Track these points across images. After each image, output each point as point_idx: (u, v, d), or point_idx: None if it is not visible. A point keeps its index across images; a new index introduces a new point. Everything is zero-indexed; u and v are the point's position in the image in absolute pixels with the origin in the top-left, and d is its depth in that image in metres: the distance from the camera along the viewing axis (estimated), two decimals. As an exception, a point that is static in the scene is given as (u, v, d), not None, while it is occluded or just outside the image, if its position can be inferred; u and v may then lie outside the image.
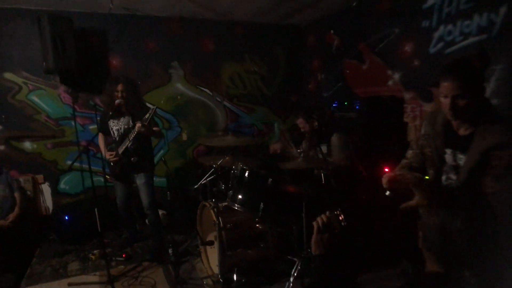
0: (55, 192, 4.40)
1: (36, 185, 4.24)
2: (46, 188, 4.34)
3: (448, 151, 1.83)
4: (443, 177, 1.85)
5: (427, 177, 1.91)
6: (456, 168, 1.78)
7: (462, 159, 1.75)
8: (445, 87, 1.65)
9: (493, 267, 1.63)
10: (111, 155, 3.44)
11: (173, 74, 4.85)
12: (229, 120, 5.24)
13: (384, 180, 1.79)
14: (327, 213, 1.56)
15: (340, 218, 1.61)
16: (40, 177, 4.29)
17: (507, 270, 1.52)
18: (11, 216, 3.55)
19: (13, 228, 3.51)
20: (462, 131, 1.76)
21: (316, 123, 3.44)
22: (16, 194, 3.74)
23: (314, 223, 1.55)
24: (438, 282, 1.88)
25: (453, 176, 1.79)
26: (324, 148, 3.46)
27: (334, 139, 3.45)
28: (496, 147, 1.60)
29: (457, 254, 1.78)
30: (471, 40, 3.10)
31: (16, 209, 3.64)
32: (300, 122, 3.60)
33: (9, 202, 3.62)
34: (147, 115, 3.07)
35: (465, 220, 1.72)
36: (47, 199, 4.35)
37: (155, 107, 3.14)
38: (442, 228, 1.81)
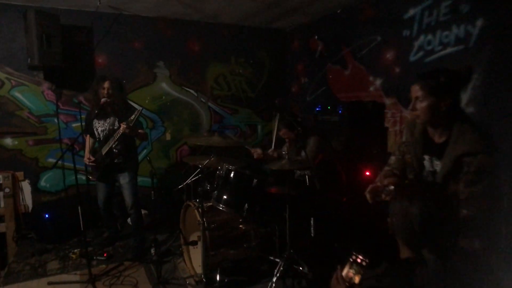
0: (35, 190, 4.32)
1: (16, 182, 4.15)
2: (26, 185, 4.26)
3: (426, 157, 1.95)
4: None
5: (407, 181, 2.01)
6: (433, 173, 1.90)
7: (438, 165, 1.87)
8: (412, 89, 1.90)
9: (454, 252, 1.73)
10: (89, 159, 3.47)
11: (158, 74, 4.85)
12: (213, 121, 5.28)
13: (368, 195, 1.85)
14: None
15: (359, 260, 1.48)
16: (20, 174, 4.21)
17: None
18: None
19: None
20: (437, 139, 1.90)
21: (300, 129, 3.51)
22: None
23: (331, 280, 1.51)
24: (411, 267, 1.93)
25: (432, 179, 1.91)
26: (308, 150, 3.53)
27: (310, 140, 3.53)
28: (466, 154, 1.72)
29: (419, 239, 1.85)
30: (449, 50, 3.25)
31: None
32: (284, 133, 3.65)
33: None
34: (133, 116, 3.06)
35: (423, 206, 1.78)
36: (27, 196, 4.27)
37: (141, 108, 3.14)
38: (404, 213, 1.85)
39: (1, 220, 4.03)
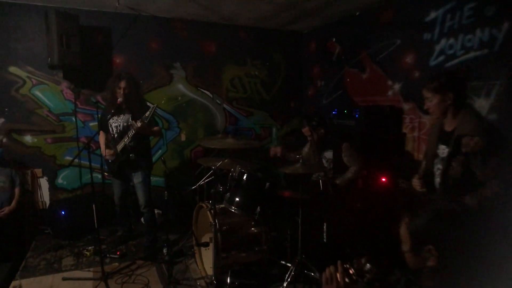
0: (53, 187, 4.42)
1: (34, 178, 4.25)
2: (44, 182, 4.36)
3: (440, 146, 2.27)
4: (435, 168, 2.28)
5: None
6: (442, 159, 2.22)
7: (445, 151, 2.19)
8: (423, 93, 2.26)
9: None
10: (109, 153, 3.47)
11: (174, 75, 4.89)
12: (227, 123, 5.28)
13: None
14: (338, 265, 1.52)
15: (351, 272, 1.51)
16: (39, 171, 4.31)
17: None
18: (7, 209, 3.54)
19: (7, 221, 3.51)
20: (447, 128, 2.23)
21: (322, 131, 3.45)
22: (16, 190, 3.74)
23: (323, 274, 1.52)
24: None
25: (440, 166, 2.22)
26: (329, 154, 3.47)
27: (346, 147, 3.42)
28: (466, 134, 2.01)
29: None
30: (472, 54, 3.14)
31: (13, 203, 3.64)
32: (306, 130, 3.54)
33: (7, 194, 3.63)
34: (148, 113, 3.08)
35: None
36: (45, 193, 4.37)
37: (155, 105, 3.15)
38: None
39: (21, 215, 4.12)
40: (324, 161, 3.52)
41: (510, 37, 2.87)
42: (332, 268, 1.51)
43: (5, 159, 3.90)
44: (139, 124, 3.10)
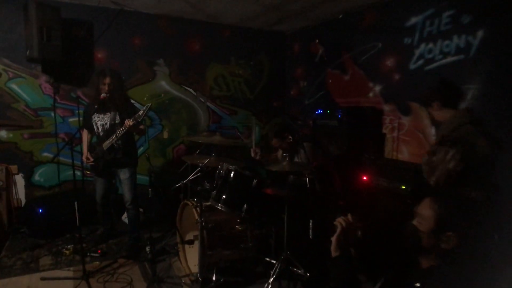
0: (29, 184, 4.27)
1: (9, 175, 4.09)
2: (19, 179, 4.21)
3: None
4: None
5: None
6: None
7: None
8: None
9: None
10: (88, 159, 3.43)
11: (158, 72, 4.84)
12: (211, 121, 5.27)
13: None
14: (349, 215, 1.63)
15: (359, 222, 1.65)
16: (14, 168, 4.15)
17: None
18: None
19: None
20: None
21: (290, 138, 3.51)
22: None
23: (337, 223, 1.60)
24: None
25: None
26: (298, 157, 3.55)
27: (306, 146, 3.53)
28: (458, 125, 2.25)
29: None
30: (449, 59, 3.31)
31: None
32: (275, 142, 3.60)
33: None
34: (141, 112, 3.05)
35: None
36: (20, 190, 4.21)
37: (149, 104, 3.13)
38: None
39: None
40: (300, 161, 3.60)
41: (484, 44, 3.04)
42: (349, 217, 1.62)
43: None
44: (131, 123, 3.07)
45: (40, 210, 3.82)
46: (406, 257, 1.62)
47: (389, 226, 3.00)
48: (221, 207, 2.94)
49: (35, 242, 3.72)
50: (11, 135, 4.13)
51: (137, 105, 4.09)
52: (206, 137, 3.31)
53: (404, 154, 3.85)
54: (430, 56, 3.47)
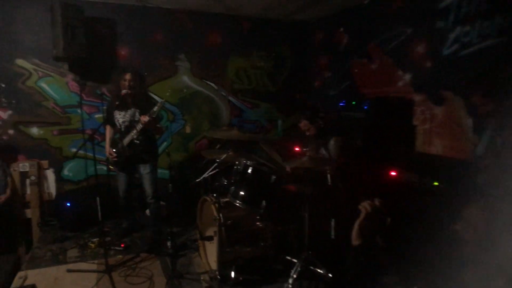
0: (59, 178, 4.41)
1: (40, 170, 4.26)
2: (50, 174, 4.36)
3: None
4: None
5: None
6: None
7: None
8: None
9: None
10: (111, 154, 3.50)
11: (179, 67, 4.83)
12: (232, 115, 5.22)
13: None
14: (376, 200, 1.47)
15: (388, 208, 1.48)
16: (45, 163, 4.31)
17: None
18: (3, 197, 3.64)
19: (5, 208, 3.60)
20: None
21: (321, 123, 3.37)
22: (9, 179, 3.86)
23: (362, 208, 1.45)
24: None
25: None
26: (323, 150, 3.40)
27: (332, 142, 3.40)
28: None
29: None
30: (490, 42, 2.98)
31: (8, 191, 3.76)
32: (304, 124, 3.49)
33: (2, 184, 3.71)
34: (156, 108, 3.06)
35: None
36: (51, 184, 4.37)
37: (163, 100, 3.14)
38: None
39: (27, 207, 4.15)
40: (327, 155, 3.45)
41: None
42: (374, 202, 1.47)
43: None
44: (146, 119, 3.08)
45: (68, 204, 3.96)
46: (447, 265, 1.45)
47: (420, 225, 2.81)
48: (239, 203, 2.88)
49: (64, 235, 3.87)
50: (41, 131, 4.28)
51: (158, 100, 4.09)
52: (223, 133, 3.25)
53: (437, 147, 3.58)
54: (467, 39, 3.17)
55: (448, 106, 3.43)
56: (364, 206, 1.45)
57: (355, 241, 1.45)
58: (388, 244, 1.48)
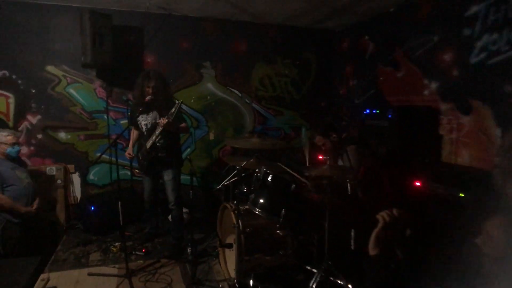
0: (84, 183, 4.54)
1: (67, 174, 4.38)
2: (76, 178, 4.49)
3: None
4: None
5: None
6: None
7: None
8: None
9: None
10: (129, 154, 3.62)
11: (204, 74, 4.89)
12: (256, 122, 5.22)
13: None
14: (395, 210, 1.43)
15: (408, 218, 1.44)
16: (71, 167, 4.44)
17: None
18: (35, 203, 3.58)
19: (37, 214, 3.60)
20: None
21: (334, 136, 3.33)
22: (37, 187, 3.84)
23: (379, 217, 1.42)
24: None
25: None
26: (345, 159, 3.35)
27: (348, 150, 3.35)
28: None
29: None
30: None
31: (35, 204, 3.63)
32: (319, 140, 3.49)
33: (32, 188, 3.66)
34: (173, 109, 3.08)
35: None
36: (76, 188, 4.49)
37: (180, 101, 3.15)
38: None
39: (53, 210, 4.26)
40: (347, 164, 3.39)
41: None
42: (394, 211, 1.41)
43: (20, 157, 3.90)
44: (164, 120, 3.11)
45: (92, 208, 4.04)
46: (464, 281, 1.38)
47: (444, 237, 2.71)
48: (258, 211, 2.86)
49: (88, 238, 3.94)
50: (69, 136, 4.42)
51: (183, 107, 4.14)
52: (244, 141, 3.23)
53: (465, 158, 3.46)
54: (495, 47, 3.07)
55: (476, 116, 3.32)
56: (382, 216, 1.42)
57: (372, 251, 1.42)
58: (407, 256, 1.42)
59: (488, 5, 3.12)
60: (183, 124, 3.47)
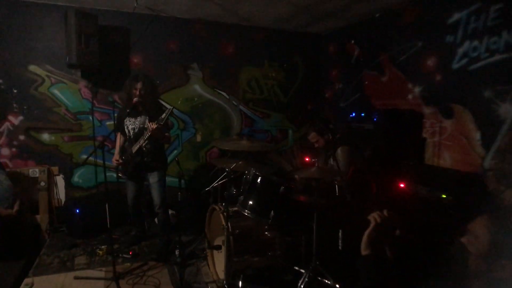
0: (69, 185, 4.45)
1: (51, 176, 4.29)
2: (60, 180, 4.40)
3: None
4: None
5: None
6: None
7: None
8: None
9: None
10: (117, 160, 3.52)
11: (191, 76, 4.89)
12: (244, 125, 5.24)
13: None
14: (385, 211, 1.50)
15: (397, 219, 1.51)
16: (55, 169, 4.35)
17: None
18: (16, 206, 3.48)
19: (19, 217, 3.52)
20: None
21: (330, 136, 3.39)
22: (18, 190, 3.74)
23: (371, 218, 1.47)
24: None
25: None
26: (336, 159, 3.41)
27: (339, 152, 3.40)
28: None
29: None
30: (497, 57, 3.02)
31: (15, 207, 3.51)
32: (313, 136, 3.53)
33: (11, 191, 3.54)
34: (164, 115, 3.05)
35: None
36: (61, 191, 4.40)
37: (171, 107, 3.14)
38: None
39: (36, 213, 4.17)
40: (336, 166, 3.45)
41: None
42: (384, 213, 1.49)
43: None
44: (154, 126, 3.09)
45: (77, 210, 3.97)
46: (452, 279, 1.44)
47: (429, 237, 2.79)
48: (247, 213, 2.87)
49: (73, 241, 3.86)
50: (53, 137, 4.34)
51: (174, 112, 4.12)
52: (232, 144, 3.24)
53: (446, 160, 3.58)
54: (475, 54, 3.20)
55: (457, 119, 3.45)
56: (374, 217, 1.48)
57: (364, 251, 1.47)
58: (396, 256, 1.48)
59: (469, 13, 3.24)
60: (167, 134, 3.44)
